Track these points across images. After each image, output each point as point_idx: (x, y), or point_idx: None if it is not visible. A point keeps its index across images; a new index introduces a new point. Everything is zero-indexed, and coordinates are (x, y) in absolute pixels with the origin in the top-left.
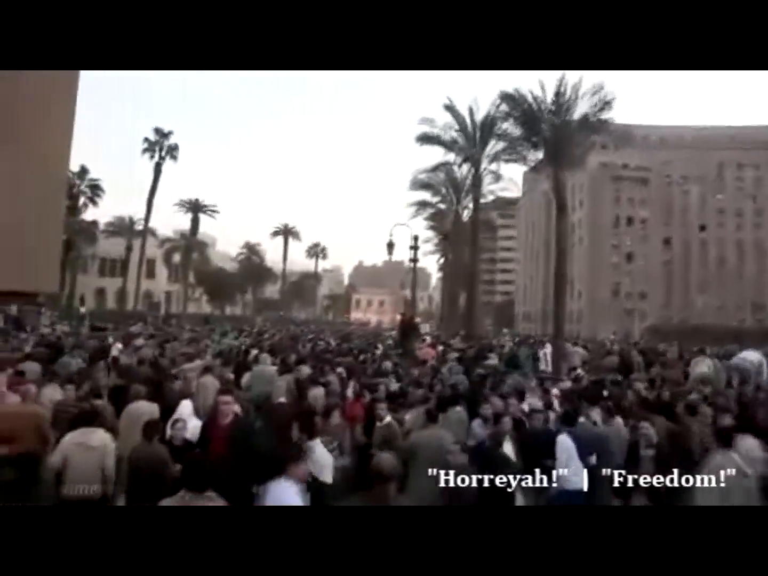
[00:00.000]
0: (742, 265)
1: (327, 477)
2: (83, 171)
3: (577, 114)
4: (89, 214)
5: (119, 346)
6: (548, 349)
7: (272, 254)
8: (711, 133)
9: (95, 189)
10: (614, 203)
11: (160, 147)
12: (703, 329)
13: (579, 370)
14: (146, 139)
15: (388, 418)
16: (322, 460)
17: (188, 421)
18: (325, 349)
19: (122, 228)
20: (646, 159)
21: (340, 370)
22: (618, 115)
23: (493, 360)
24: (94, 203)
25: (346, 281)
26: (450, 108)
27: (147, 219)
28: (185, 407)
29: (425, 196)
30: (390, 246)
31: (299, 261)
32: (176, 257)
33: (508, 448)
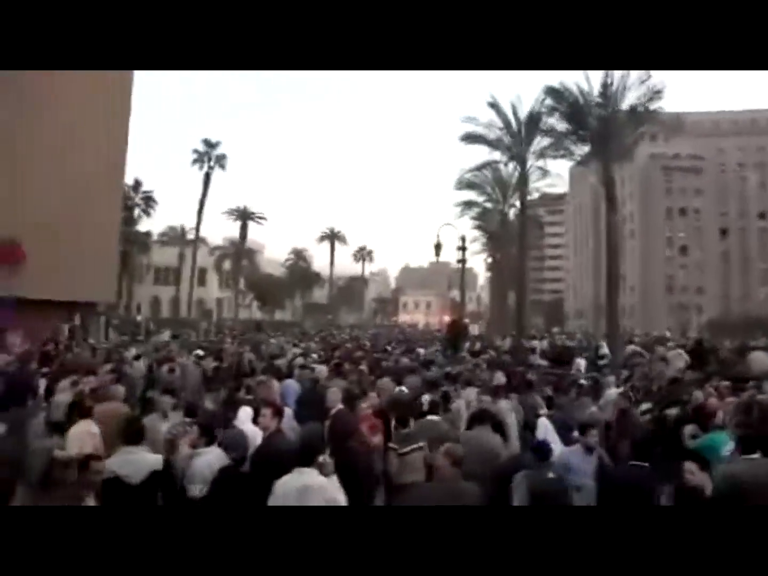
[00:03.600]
0: None
1: None
2: (137, 184)
3: (625, 105)
4: (143, 225)
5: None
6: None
7: (319, 259)
8: (764, 117)
9: (148, 201)
10: (666, 194)
11: (209, 157)
12: (765, 322)
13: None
14: (195, 150)
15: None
16: None
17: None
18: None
19: (174, 237)
20: (698, 147)
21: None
22: (668, 104)
23: None
24: (148, 214)
25: (393, 284)
26: (494, 105)
27: (198, 228)
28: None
29: (471, 195)
30: (437, 247)
31: (346, 265)
32: (226, 264)
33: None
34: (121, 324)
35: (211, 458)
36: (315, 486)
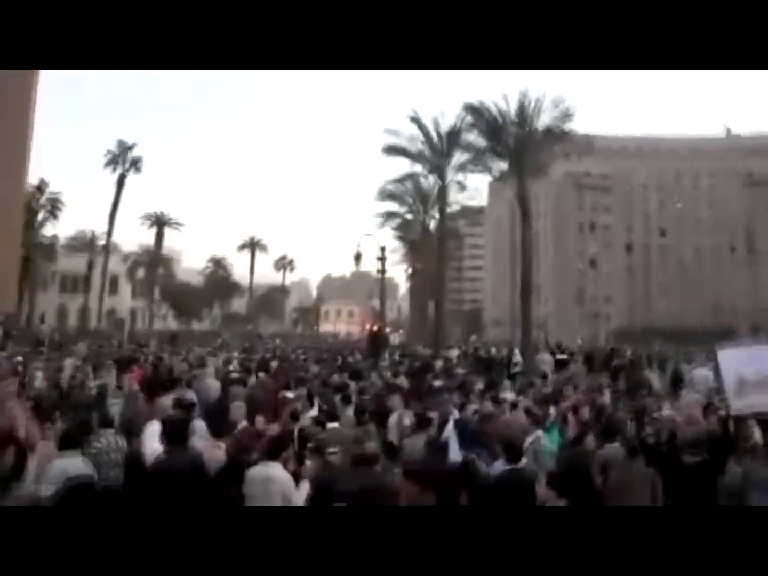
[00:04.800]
0: (700, 269)
1: None
2: (42, 184)
3: (540, 125)
4: (49, 230)
5: None
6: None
7: (239, 268)
8: (669, 144)
9: (55, 203)
10: (578, 210)
11: (123, 159)
12: (665, 331)
13: None
14: (109, 152)
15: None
16: None
17: None
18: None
19: (84, 243)
20: (608, 167)
21: None
22: (579, 125)
23: None
24: (55, 217)
25: (314, 293)
26: (415, 120)
27: (109, 233)
28: None
29: (392, 206)
30: (357, 257)
31: (266, 274)
32: (140, 273)
33: None
34: (21, 335)
35: (66, 464)
36: (277, 478)
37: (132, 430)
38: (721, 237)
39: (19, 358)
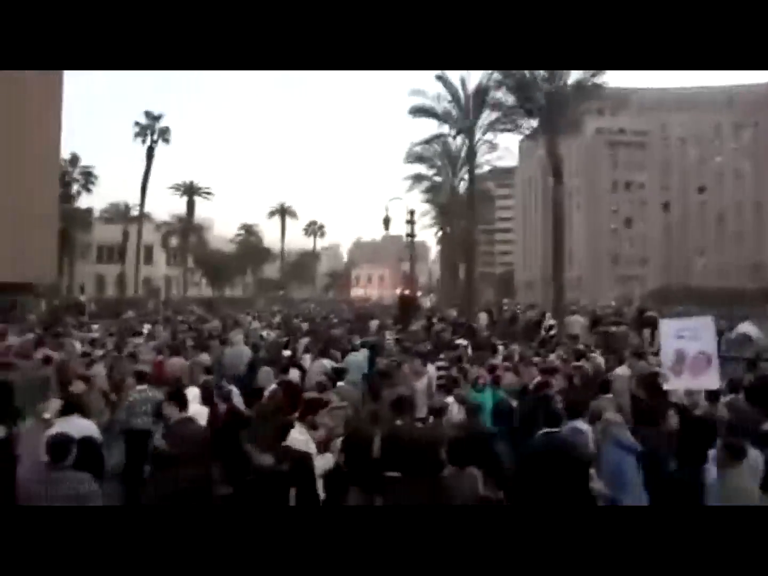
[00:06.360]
0: (741, 226)
1: None
2: (75, 158)
3: (571, 79)
4: (83, 202)
5: None
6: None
7: (270, 234)
8: (707, 94)
9: (88, 176)
10: (611, 168)
11: (152, 130)
12: (704, 292)
13: None
14: (137, 123)
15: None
16: None
17: None
18: None
19: (118, 214)
20: (642, 123)
21: None
22: (613, 79)
23: None
24: (88, 190)
25: (345, 258)
26: (441, 78)
27: (142, 204)
28: None
29: (421, 169)
30: (386, 221)
31: (297, 240)
32: (174, 241)
33: None
34: (63, 305)
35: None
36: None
37: None
38: (763, 192)
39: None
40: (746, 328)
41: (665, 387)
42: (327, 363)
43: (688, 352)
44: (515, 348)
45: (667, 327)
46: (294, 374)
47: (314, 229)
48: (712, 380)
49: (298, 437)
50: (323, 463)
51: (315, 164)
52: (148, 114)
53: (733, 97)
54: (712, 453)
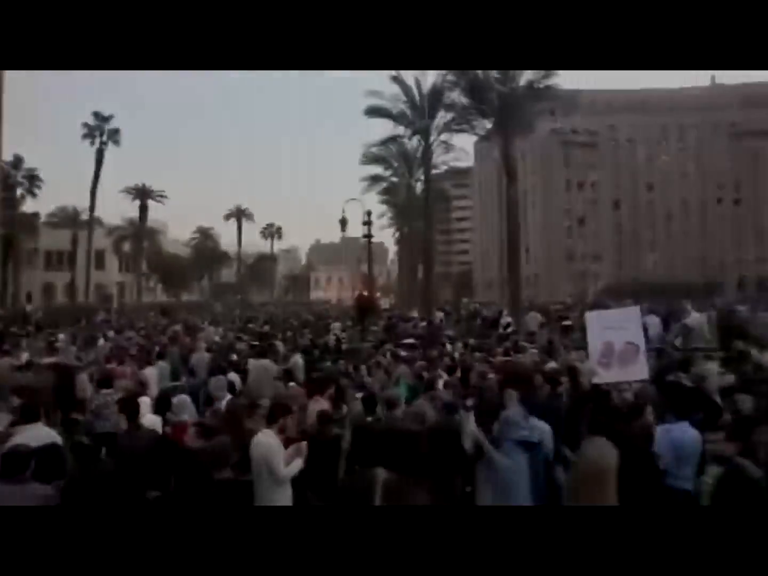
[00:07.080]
0: (688, 223)
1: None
2: (18, 160)
3: (523, 81)
4: (29, 206)
5: None
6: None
7: (226, 237)
8: (654, 96)
9: (33, 179)
10: (564, 168)
11: (101, 132)
12: (654, 286)
13: None
14: (85, 124)
15: None
16: None
17: None
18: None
19: (66, 218)
20: (593, 123)
21: None
22: (564, 81)
23: None
24: (33, 194)
25: (303, 260)
26: (397, 79)
27: (92, 208)
28: None
29: (377, 170)
30: (343, 222)
31: (255, 243)
32: (126, 246)
33: None
34: (8, 315)
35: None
36: (261, 443)
37: None
38: (707, 190)
39: None
40: (697, 319)
41: (594, 381)
42: (268, 363)
43: (615, 344)
44: (459, 345)
45: (593, 320)
46: (233, 377)
47: (272, 232)
48: (641, 370)
49: (265, 440)
50: (295, 466)
51: (271, 166)
52: (97, 115)
53: (675, 100)
54: None
